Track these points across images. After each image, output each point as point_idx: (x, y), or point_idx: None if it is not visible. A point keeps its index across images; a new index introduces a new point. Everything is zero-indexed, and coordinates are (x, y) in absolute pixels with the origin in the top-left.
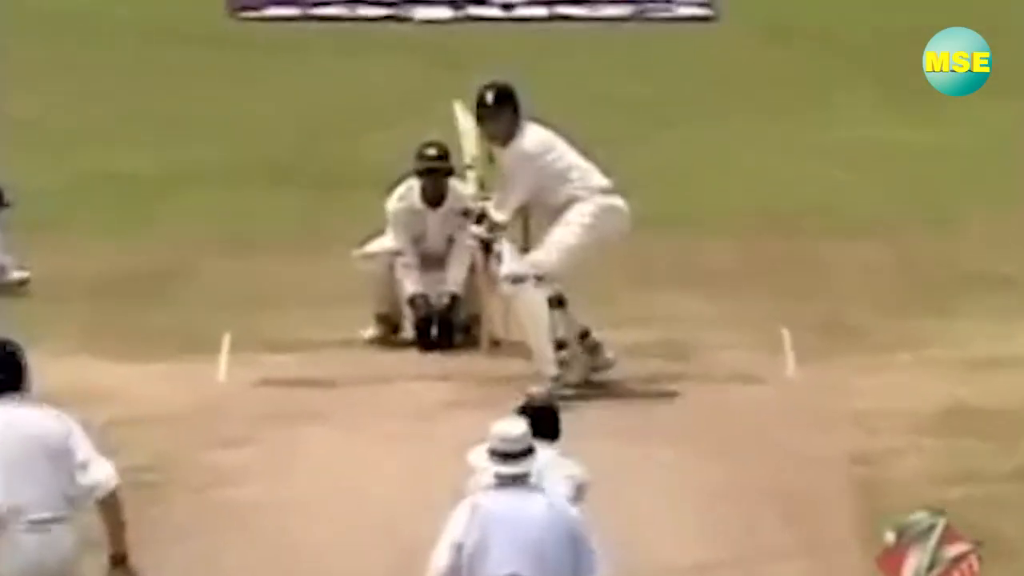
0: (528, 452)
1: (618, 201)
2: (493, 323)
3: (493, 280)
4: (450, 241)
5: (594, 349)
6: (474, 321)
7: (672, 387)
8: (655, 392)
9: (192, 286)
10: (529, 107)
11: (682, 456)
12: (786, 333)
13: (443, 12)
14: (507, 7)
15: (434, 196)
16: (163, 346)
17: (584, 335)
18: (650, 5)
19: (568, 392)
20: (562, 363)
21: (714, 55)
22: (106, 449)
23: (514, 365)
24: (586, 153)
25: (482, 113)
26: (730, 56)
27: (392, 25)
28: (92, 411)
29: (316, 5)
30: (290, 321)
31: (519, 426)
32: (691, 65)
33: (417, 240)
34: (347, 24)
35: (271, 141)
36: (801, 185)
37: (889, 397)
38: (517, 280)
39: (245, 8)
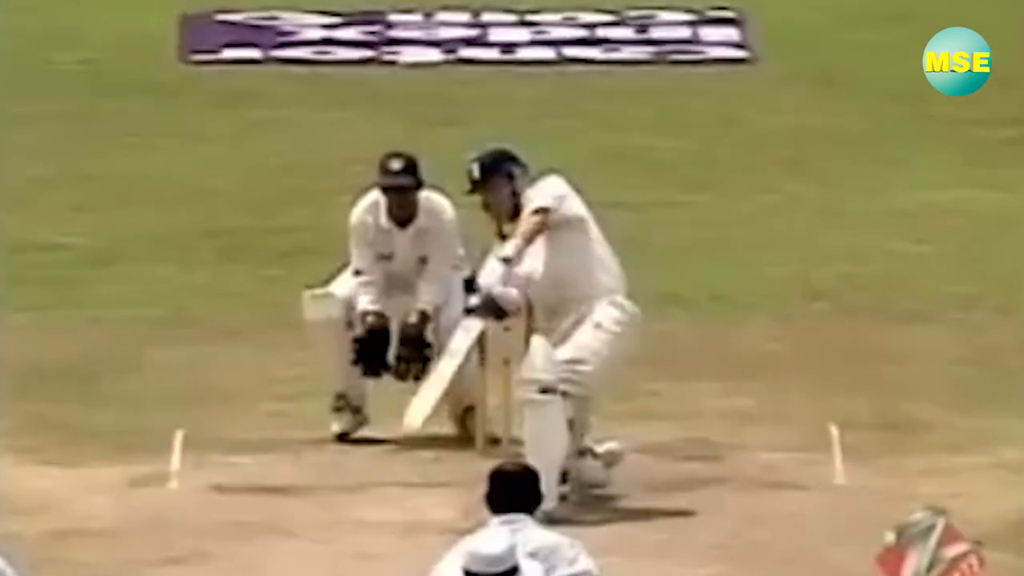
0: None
1: (638, 313)
2: (491, 418)
3: (501, 368)
4: (422, 261)
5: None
6: (468, 414)
7: (702, 494)
8: (682, 500)
9: (135, 376)
10: (532, 169)
11: None
12: (835, 431)
13: (432, 54)
14: (507, 48)
15: (401, 215)
16: (103, 447)
17: (582, 453)
18: (676, 46)
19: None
20: (563, 497)
21: (750, 105)
22: (38, 570)
23: None
24: (599, 219)
25: (475, 190)
26: (769, 106)
27: (372, 70)
28: (21, 524)
29: (281, 46)
30: (249, 417)
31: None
32: (723, 117)
33: (383, 260)
34: (318, 69)
35: (225, 207)
36: (852, 258)
37: (956, 507)
38: (547, 390)
39: (198, 52)
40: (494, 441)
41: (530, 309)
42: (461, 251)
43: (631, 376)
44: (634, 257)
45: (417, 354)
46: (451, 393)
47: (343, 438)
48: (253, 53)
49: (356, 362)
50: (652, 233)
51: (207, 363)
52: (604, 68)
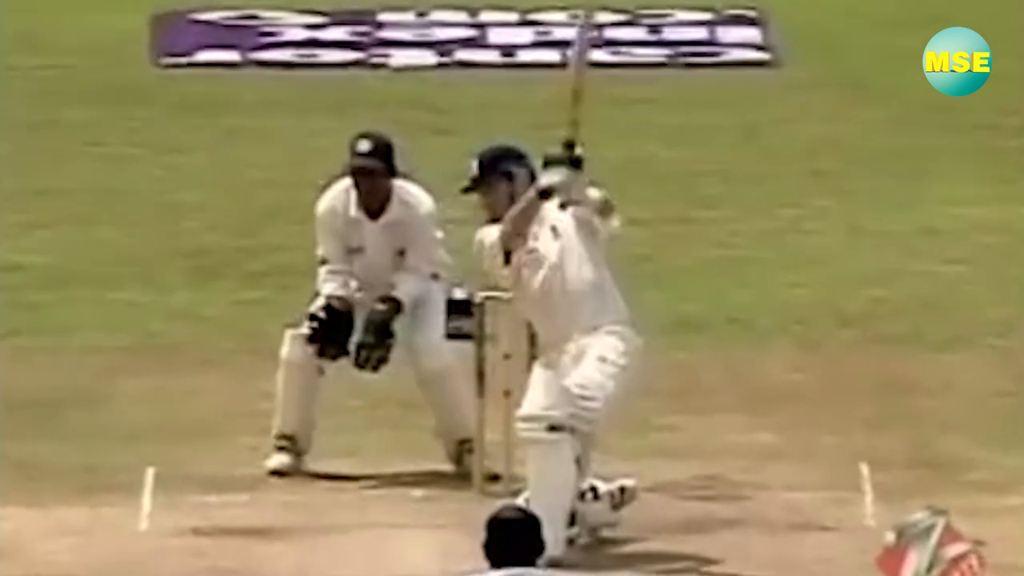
0: None
1: (641, 343)
2: (489, 454)
3: (501, 400)
4: (400, 254)
5: (597, 496)
6: (464, 449)
7: (721, 537)
8: (699, 544)
9: (101, 409)
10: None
11: None
12: (865, 469)
13: (426, 57)
14: (508, 51)
15: (370, 202)
16: (68, 487)
17: (582, 495)
18: (692, 48)
19: (586, 540)
20: (571, 541)
21: (772, 112)
22: None
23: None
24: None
25: (472, 189)
26: (792, 114)
27: (360, 73)
28: None
29: (261, 48)
30: (225, 452)
31: None
32: (743, 125)
33: (354, 255)
34: (301, 73)
35: (200, 224)
36: (882, 280)
37: (996, 551)
38: (555, 428)
39: (170, 54)
40: (492, 478)
41: (532, 337)
42: (445, 256)
43: (644, 409)
44: (645, 279)
45: (380, 341)
46: (445, 426)
47: (279, 475)
48: (230, 56)
49: (311, 340)
50: (665, 252)
51: (180, 395)
52: (613, 72)
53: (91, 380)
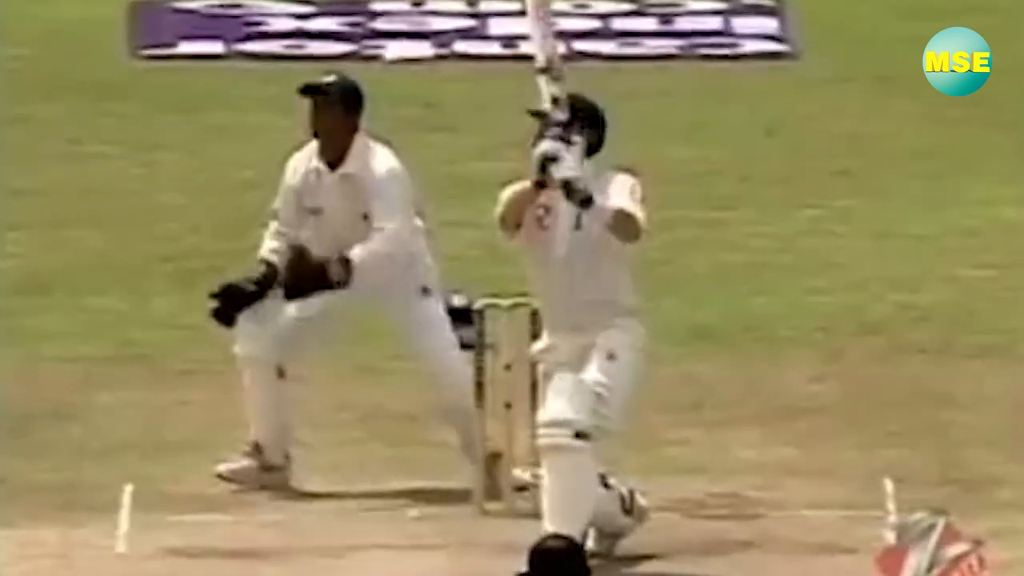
0: None
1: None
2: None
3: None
4: (364, 219)
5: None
6: (495, 461)
7: (737, 558)
8: (714, 565)
9: (76, 423)
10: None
11: None
12: (889, 486)
13: (422, 49)
14: (509, 42)
15: (326, 144)
16: (42, 505)
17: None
18: (705, 39)
19: (595, 563)
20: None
21: (792, 108)
22: None
23: (521, 529)
24: None
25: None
26: (814, 110)
27: (352, 66)
28: None
29: (246, 39)
30: (209, 469)
31: None
32: (761, 121)
33: (313, 217)
34: (289, 65)
35: (181, 226)
36: (910, 286)
37: None
38: (581, 435)
39: (150, 46)
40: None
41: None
42: (419, 222)
43: (656, 423)
44: (658, 284)
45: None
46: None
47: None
48: (214, 47)
49: (213, 296)
50: (679, 256)
51: (160, 407)
52: (622, 65)
53: (66, 392)
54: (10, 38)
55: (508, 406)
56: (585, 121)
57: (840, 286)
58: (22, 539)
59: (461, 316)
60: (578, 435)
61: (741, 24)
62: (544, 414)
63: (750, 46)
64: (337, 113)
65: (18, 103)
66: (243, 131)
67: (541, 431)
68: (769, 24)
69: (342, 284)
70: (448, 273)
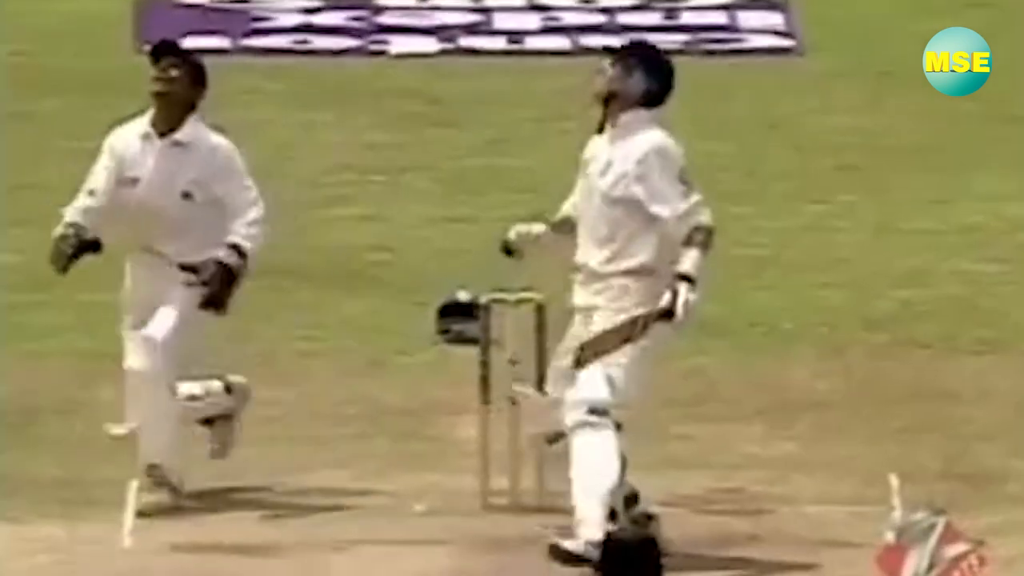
0: None
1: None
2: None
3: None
4: (185, 197)
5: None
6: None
7: (741, 553)
8: (718, 561)
9: (81, 419)
10: (546, 171)
11: None
12: (895, 481)
13: (427, 44)
14: (515, 37)
15: (160, 108)
16: (44, 501)
17: (630, 499)
18: (710, 34)
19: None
20: None
21: (797, 103)
22: None
23: (525, 525)
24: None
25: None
26: (819, 105)
27: (357, 61)
28: None
29: (252, 34)
30: (215, 463)
31: None
32: (766, 117)
33: (127, 188)
34: (295, 60)
35: None
36: (915, 281)
37: None
38: (597, 411)
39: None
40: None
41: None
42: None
43: (659, 418)
44: None
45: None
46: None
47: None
48: (219, 42)
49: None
50: None
51: None
52: None
53: (70, 387)
54: (11, 34)
55: (513, 402)
56: (642, 66)
57: (844, 281)
58: (26, 534)
59: (464, 311)
60: (593, 411)
61: (746, 19)
62: (567, 398)
63: (755, 41)
64: (184, 80)
65: (21, 99)
66: (247, 126)
67: (565, 413)
68: (774, 19)
69: (242, 273)
70: (452, 268)
